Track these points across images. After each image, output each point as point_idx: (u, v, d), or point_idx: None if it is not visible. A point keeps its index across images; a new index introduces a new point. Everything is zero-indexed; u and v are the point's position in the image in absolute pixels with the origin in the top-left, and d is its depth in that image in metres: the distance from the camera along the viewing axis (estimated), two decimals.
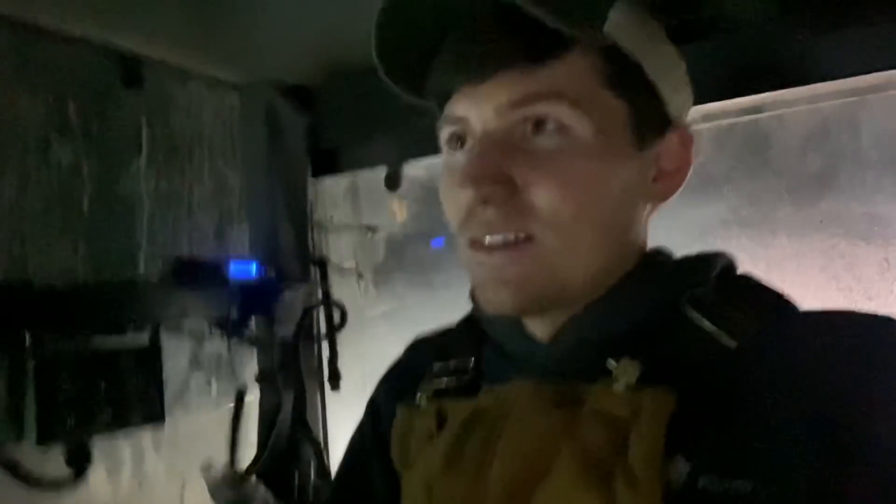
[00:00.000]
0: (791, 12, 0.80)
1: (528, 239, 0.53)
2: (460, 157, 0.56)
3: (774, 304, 0.53)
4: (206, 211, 1.32)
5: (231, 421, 1.23)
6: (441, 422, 0.59)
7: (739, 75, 0.83)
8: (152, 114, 1.24)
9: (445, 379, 0.63)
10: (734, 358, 0.50)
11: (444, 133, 0.58)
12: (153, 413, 1.10)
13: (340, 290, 1.48)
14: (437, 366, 0.65)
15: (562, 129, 0.52)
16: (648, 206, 0.59)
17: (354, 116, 1.31)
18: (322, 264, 1.47)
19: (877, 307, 0.85)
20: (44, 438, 0.96)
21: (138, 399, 1.07)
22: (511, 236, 0.53)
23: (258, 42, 1.18)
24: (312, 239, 1.44)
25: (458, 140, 0.56)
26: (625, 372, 0.50)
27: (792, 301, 0.53)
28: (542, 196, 0.51)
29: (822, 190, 0.89)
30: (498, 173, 0.52)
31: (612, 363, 0.51)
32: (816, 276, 0.88)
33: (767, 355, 0.49)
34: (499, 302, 0.55)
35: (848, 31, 0.78)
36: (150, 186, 1.23)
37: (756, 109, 0.92)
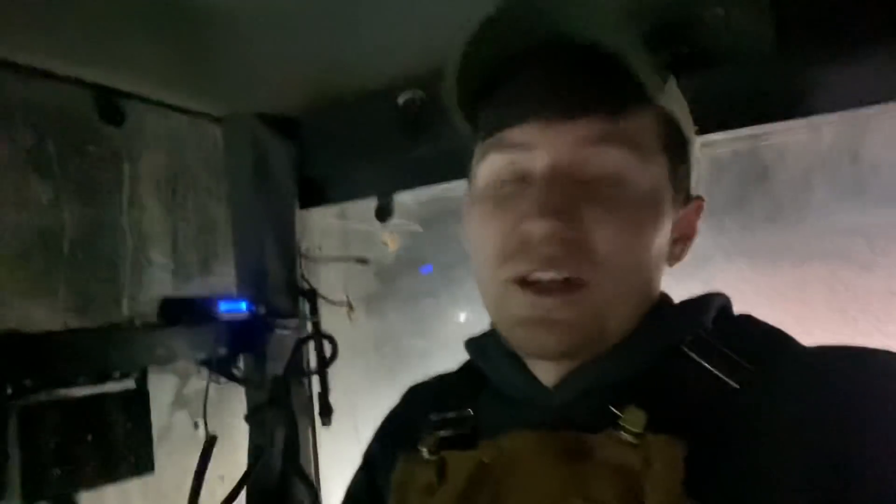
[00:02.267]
0: (789, 46, 0.81)
1: (580, 284, 0.52)
2: (508, 187, 0.55)
3: (774, 342, 0.53)
4: (192, 248, 1.28)
5: (197, 465, 1.17)
6: (442, 473, 0.57)
7: (737, 107, 0.83)
8: (133, 149, 1.20)
9: (446, 430, 0.62)
10: (738, 399, 0.50)
11: (497, 160, 0.55)
12: (142, 464, 1.06)
13: (331, 322, 1.45)
14: (435, 416, 0.64)
15: (625, 178, 0.52)
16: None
17: (342, 147, 1.29)
18: (311, 297, 1.44)
19: (882, 338, 0.86)
20: (29, 496, 0.91)
21: (126, 449, 1.03)
22: (563, 275, 0.52)
23: (241, 73, 1.16)
24: (301, 271, 1.41)
25: (509, 171, 0.55)
26: (632, 420, 0.49)
27: (791, 337, 0.54)
28: (604, 240, 0.51)
29: (822, 219, 0.89)
30: (571, 209, 0.51)
31: (616, 412, 0.50)
32: (820, 305, 0.87)
33: (771, 395, 0.49)
34: (544, 344, 0.54)
35: (844, 64, 0.79)
36: (132, 225, 1.19)
37: (754, 138, 0.92)
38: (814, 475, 0.44)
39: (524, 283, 0.53)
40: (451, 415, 0.63)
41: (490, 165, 0.56)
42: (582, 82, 0.52)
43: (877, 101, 0.79)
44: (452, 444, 0.59)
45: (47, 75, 1.07)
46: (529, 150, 0.53)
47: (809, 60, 0.81)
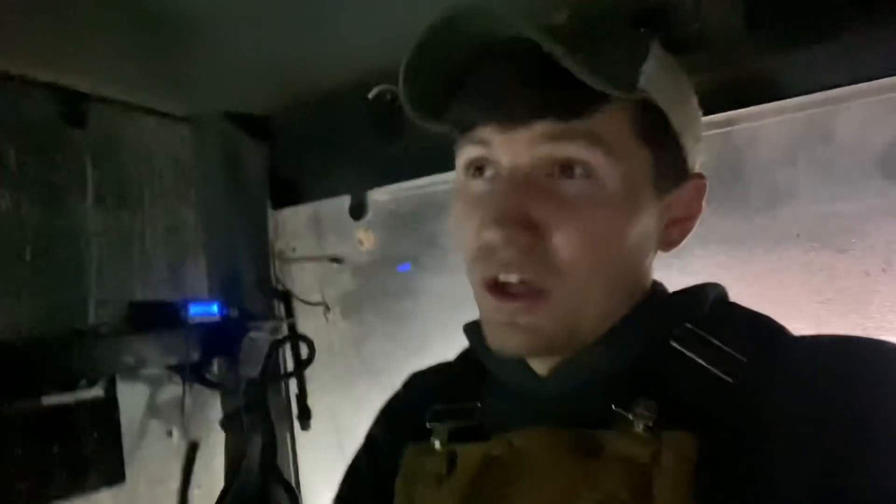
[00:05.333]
0: (757, 30, 0.81)
1: (544, 293, 0.51)
2: (479, 185, 0.55)
3: (765, 332, 0.53)
4: (161, 251, 1.26)
5: (182, 474, 1.15)
6: (452, 465, 0.57)
7: (708, 93, 0.82)
8: (98, 153, 1.18)
9: (453, 421, 0.61)
10: (732, 393, 0.49)
11: (465, 156, 0.55)
12: (112, 474, 1.03)
13: (307, 323, 1.43)
14: (441, 406, 0.63)
15: (590, 174, 0.51)
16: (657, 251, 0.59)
17: (314, 145, 1.27)
18: (286, 298, 1.42)
19: (859, 319, 0.86)
20: None
21: (96, 459, 1.01)
22: (527, 276, 0.51)
23: (209, 72, 1.14)
24: (275, 272, 1.39)
25: (478, 167, 0.55)
26: (642, 414, 0.49)
27: (781, 327, 0.53)
28: (564, 244, 0.50)
29: (796, 203, 0.89)
30: (524, 216, 0.50)
31: (624, 406, 0.50)
32: (797, 289, 0.87)
33: (766, 388, 0.48)
34: (509, 345, 0.54)
35: (813, 46, 0.78)
36: (97, 229, 1.16)
37: (726, 123, 0.92)
38: (814, 468, 0.43)
39: (493, 285, 0.53)
40: (456, 406, 0.62)
41: (463, 158, 0.55)
42: (539, 85, 0.51)
43: (846, 83, 0.79)
44: (462, 436, 0.59)
45: (7, 78, 1.04)
46: (492, 151, 0.53)
47: (779, 44, 0.81)
